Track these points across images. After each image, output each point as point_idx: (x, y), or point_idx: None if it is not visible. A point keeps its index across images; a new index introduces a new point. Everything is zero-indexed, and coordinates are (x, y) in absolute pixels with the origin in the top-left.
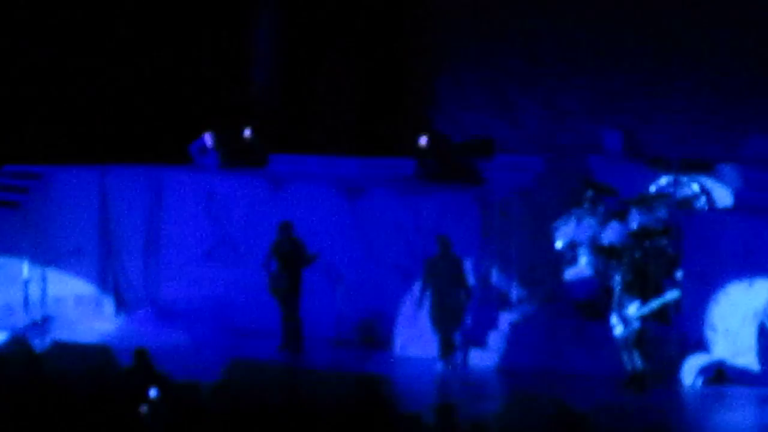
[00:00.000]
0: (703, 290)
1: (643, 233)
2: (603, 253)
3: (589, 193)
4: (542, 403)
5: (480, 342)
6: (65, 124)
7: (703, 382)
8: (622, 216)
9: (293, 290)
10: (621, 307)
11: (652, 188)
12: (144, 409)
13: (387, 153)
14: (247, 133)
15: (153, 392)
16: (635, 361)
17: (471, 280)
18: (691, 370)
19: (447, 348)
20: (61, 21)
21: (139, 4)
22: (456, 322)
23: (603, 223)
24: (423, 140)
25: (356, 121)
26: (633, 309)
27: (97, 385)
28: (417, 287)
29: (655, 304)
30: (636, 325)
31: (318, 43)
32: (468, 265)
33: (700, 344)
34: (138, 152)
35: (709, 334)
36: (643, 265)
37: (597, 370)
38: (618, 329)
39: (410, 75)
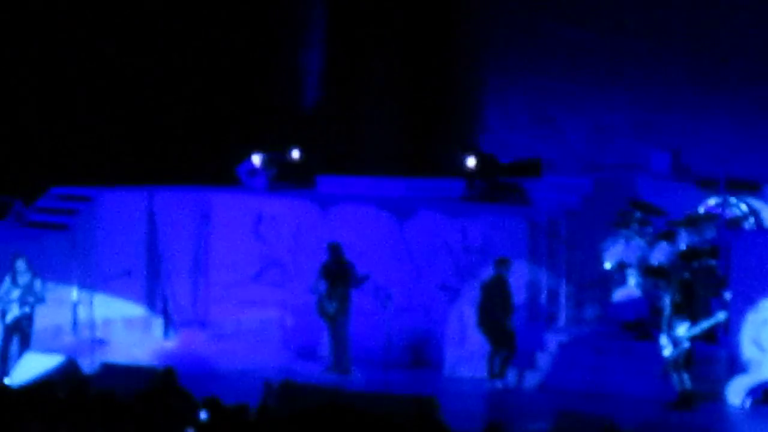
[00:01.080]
0: (750, 310)
1: (691, 254)
2: (651, 274)
3: (638, 214)
4: (591, 422)
5: (529, 362)
6: (113, 146)
7: (750, 403)
8: (670, 237)
9: (342, 312)
10: (670, 328)
11: (701, 209)
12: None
13: (434, 174)
14: (295, 154)
15: (203, 415)
16: (684, 381)
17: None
18: (738, 390)
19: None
20: (110, 44)
21: (190, 26)
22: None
23: (651, 244)
24: (470, 161)
25: (404, 142)
26: (682, 330)
27: (146, 406)
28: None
29: (704, 324)
30: (685, 345)
31: (366, 64)
32: (517, 285)
33: (748, 365)
34: (186, 174)
35: (757, 354)
36: (692, 285)
37: (645, 390)
38: (667, 350)
39: (457, 96)
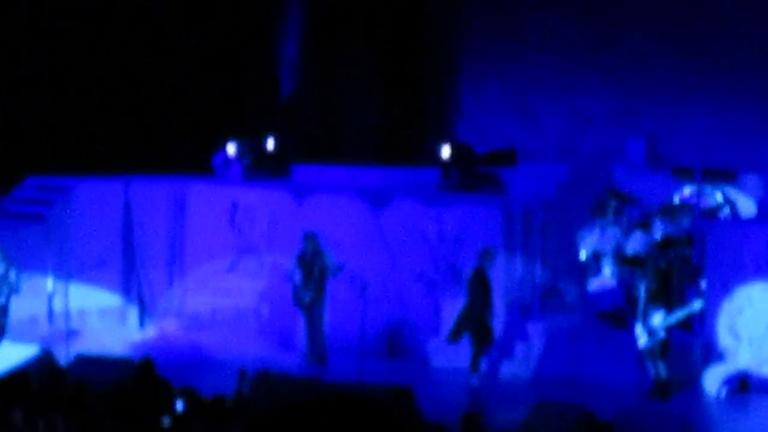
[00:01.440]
0: (726, 299)
1: (667, 243)
2: (627, 263)
3: (613, 202)
4: (567, 412)
5: (505, 352)
6: (88, 136)
7: (726, 392)
8: (646, 226)
9: (317, 301)
10: (646, 317)
11: (676, 198)
12: (167, 421)
13: (410, 162)
14: (270, 143)
15: (179, 405)
16: (659, 370)
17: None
18: (714, 379)
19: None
20: (82, 31)
21: (166, 15)
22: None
23: (627, 233)
24: (445, 150)
25: (379, 130)
26: (658, 319)
27: (120, 397)
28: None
29: (680, 314)
30: (661, 335)
31: (340, 52)
32: (493, 275)
33: (724, 353)
34: (161, 164)
35: (733, 343)
36: (668, 274)
37: (620, 379)
38: (642, 339)
39: (433, 84)
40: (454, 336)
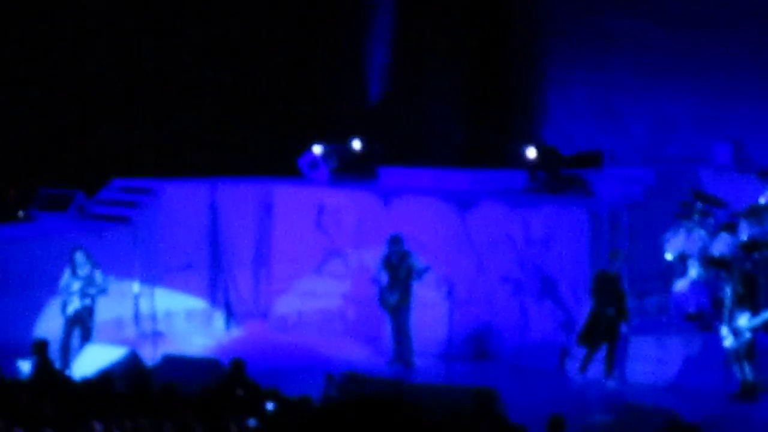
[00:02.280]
0: None
1: (753, 245)
2: (713, 265)
3: (699, 205)
4: (653, 415)
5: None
6: (176, 138)
7: None
8: (732, 228)
9: (403, 304)
10: (732, 319)
11: (762, 199)
12: (252, 422)
13: (497, 165)
14: (356, 144)
15: (269, 406)
16: (746, 372)
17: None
18: None
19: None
20: (171, 31)
21: (254, 17)
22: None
23: (713, 235)
24: (530, 152)
25: (466, 133)
26: (744, 320)
27: (207, 399)
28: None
29: (766, 315)
30: (747, 336)
31: (428, 56)
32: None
33: None
34: (248, 165)
35: None
36: (754, 276)
37: (707, 382)
38: (728, 341)
39: (520, 88)
40: (584, 340)
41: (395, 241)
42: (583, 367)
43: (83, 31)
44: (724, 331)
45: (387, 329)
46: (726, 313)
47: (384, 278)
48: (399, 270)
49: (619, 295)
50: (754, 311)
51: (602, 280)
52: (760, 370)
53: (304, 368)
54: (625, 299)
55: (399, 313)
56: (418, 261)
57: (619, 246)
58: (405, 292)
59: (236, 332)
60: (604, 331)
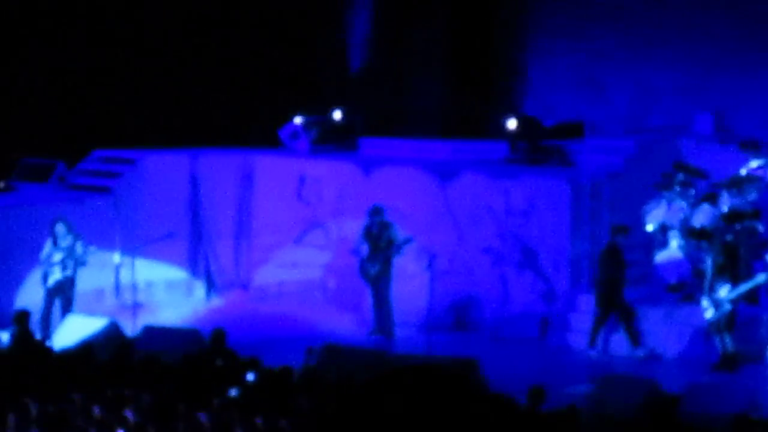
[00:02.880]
0: None
1: (734, 216)
2: (694, 236)
3: (680, 176)
4: (634, 385)
5: (571, 324)
6: (156, 108)
7: None
8: (712, 199)
9: (384, 274)
10: (712, 290)
11: (743, 171)
12: (234, 392)
13: (478, 136)
14: (337, 115)
15: (250, 376)
16: (726, 343)
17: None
18: None
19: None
20: (152, 4)
21: None
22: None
23: (694, 206)
24: (511, 123)
25: (447, 104)
26: (724, 292)
27: (188, 368)
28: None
29: (746, 286)
30: (727, 307)
31: (409, 26)
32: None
33: None
34: (229, 136)
35: None
36: (734, 247)
37: (687, 352)
38: (709, 312)
39: (500, 58)
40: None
41: (376, 211)
42: (634, 341)
43: (63, 4)
44: (705, 302)
45: (368, 300)
46: (707, 284)
47: (364, 249)
48: (379, 241)
49: (618, 267)
50: (735, 282)
51: (610, 253)
52: (741, 341)
53: (284, 339)
54: (623, 271)
55: (379, 283)
56: (399, 232)
57: (601, 218)
58: (385, 262)
59: (217, 302)
60: (608, 303)
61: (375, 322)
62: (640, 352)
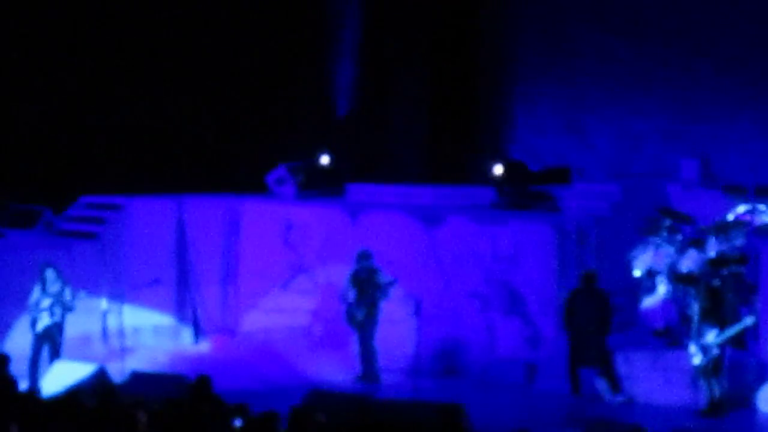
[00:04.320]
0: None
1: (720, 261)
2: (681, 281)
3: (667, 221)
4: (621, 431)
5: (559, 369)
6: (142, 154)
7: None
8: (699, 244)
9: (370, 320)
10: (700, 336)
11: (729, 216)
12: None
13: (464, 181)
14: (324, 160)
15: (238, 422)
16: (713, 388)
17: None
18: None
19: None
20: (135, 48)
21: (220, 33)
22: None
23: (681, 251)
24: (497, 169)
25: (433, 149)
26: (711, 337)
27: (174, 415)
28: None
29: (732, 330)
30: (715, 352)
31: (394, 72)
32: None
33: None
34: (215, 182)
35: None
36: (719, 292)
37: (674, 398)
38: (697, 358)
39: (486, 104)
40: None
41: (364, 256)
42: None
43: (49, 49)
44: (693, 348)
45: (354, 345)
46: (693, 329)
47: (351, 294)
48: (366, 286)
49: (606, 312)
50: (722, 327)
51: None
52: (728, 386)
53: (271, 384)
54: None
55: (365, 328)
56: (384, 276)
57: (588, 263)
58: (371, 307)
59: (204, 348)
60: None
61: (361, 368)
62: (619, 398)
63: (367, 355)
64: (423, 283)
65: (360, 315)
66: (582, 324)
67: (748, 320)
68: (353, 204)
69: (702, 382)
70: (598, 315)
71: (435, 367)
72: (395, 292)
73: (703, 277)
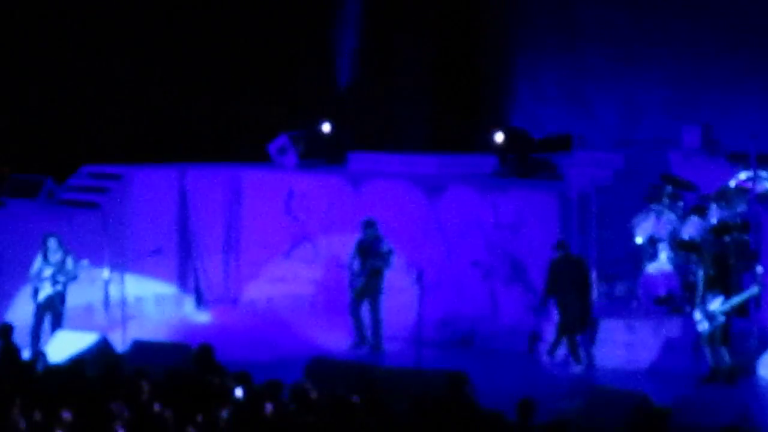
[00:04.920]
0: None
1: (722, 228)
2: (683, 249)
3: (669, 188)
4: (624, 398)
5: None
6: (144, 124)
7: None
8: (701, 211)
9: (373, 288)
10: (705, 303)
11: (731, 183)
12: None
13: (466, 150)
14: (326, 128)
15: (239, 392)
16: (721, 355)
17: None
18: None
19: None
20: (137, 18)
21: (218, 4)
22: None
23: (682, 218)
24: (498, 137)
25: (436, 118)
26: (717, 304)
27: (177, 383)
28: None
29: (739, 298)
30: (721, 320)
31: (397, 41)
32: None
33: None
34: (217, 151)
35: None
36: (725, 259)
37: (676, 366)
38: (703, 325)
39: (488, 73)
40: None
41: (368, 224)
42: (553, 350)
43: (53, 17)
44: (698, 315)
45: (355, 314)
46: (699, 297)
47: (356, 263)
48: (369, 254)
49: (585, 279)
50: (727, 294)
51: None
52: (730, 353)
53: (273, 353)
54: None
55: (368, 297)
56: (386, 244)
57: (590, 231)
58: (373, 275)
59: (206, 317)
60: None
61: (356, 335)
62: (578, 368)
63: (371, 323)
64: (425, 252)
65: (362, 284)
66: (563, 292)
67: (755, 289)
68: (355, 173)
69: (706, 349)
70: (578, 282)
71: (437, 336)
72: (397, 261)
73: (704, 244)
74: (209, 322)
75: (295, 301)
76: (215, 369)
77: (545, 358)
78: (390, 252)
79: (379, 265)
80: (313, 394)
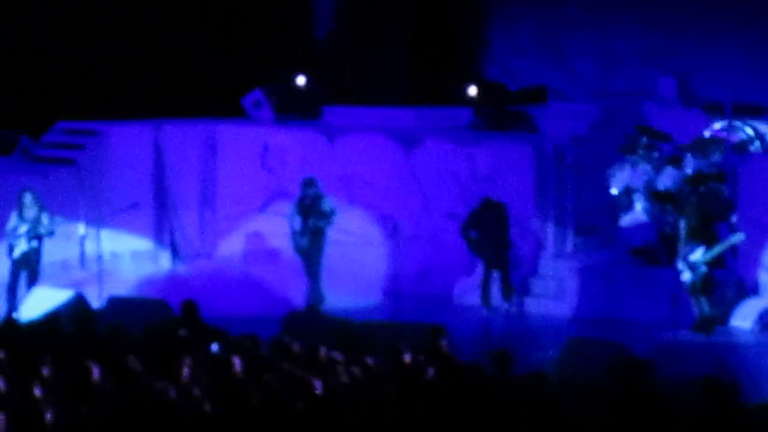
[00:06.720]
0: (758, 234)
1: (698, 178)
2: (658, 199)
3: (644, 139)
4: (601, 348)
5: (536, 290)
6: (119, 79)
7: (760, 326)
8: (676, 162)
9: (315, 247)
10: (687, 253)
11: (707, 133)
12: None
13: (442, 103)
14: (300, 80)
15: (215, 347)
16: (703, 305)
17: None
18: (747, 314)
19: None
20: None
21: None
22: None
23: (658, 168)
24: (471, 90)
25: (409, 70)
26: (698, 255)
27: (154, 340)
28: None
29: (720, 248)
30: (703, 270)
31: None
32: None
33: (757, 288)
34: (192, 106)
35: (766, 278)
36: (705, 210)
37: (653, 315)
38: (686, 275)
39: (463, 25)
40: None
41: (309, 183)
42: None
43: None
44: (681, 265)
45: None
46: (680, 247)
47: (297, 221)
48: (311, 213)
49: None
50: (708, 244)
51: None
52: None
53: (249, 308)
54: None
55: (311, 256)
56: (328, 203)
57: (566, 182)
58: (316, 234)
59: (182, 272)
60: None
61: (307, 294)
62: (508, 306)
63: (311, 282)
64: (401, 205)
65: (304, 242)
66: (482, 233)
67: (735, 238)
68: (331, 126)
69: (691, 300)
70: (496, 222)
71: (414, 289)
72: (374, 214)
73: (680, 195)
74: (185, 277)
75: (270, 255)
76: (199, 325)
77: (504, 305)
78: (332, 212)
79: (322, 225)
80: (295, 347)
